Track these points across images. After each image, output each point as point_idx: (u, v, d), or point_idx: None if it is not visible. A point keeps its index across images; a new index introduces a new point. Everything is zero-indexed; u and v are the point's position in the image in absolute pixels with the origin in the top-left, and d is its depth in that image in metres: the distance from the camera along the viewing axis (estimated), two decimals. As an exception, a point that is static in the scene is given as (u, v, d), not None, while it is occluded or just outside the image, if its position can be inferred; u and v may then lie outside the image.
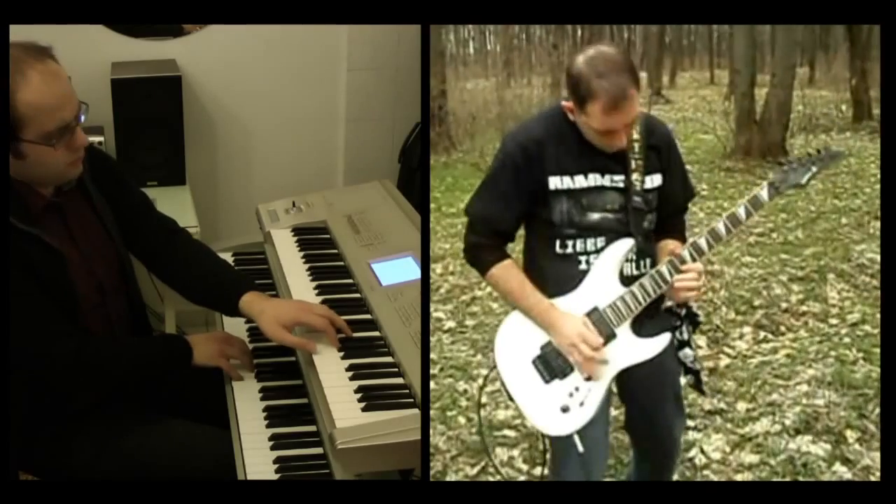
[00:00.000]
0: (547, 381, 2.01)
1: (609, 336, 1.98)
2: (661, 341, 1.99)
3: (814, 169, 1.99)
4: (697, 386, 2.23)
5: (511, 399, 2.06)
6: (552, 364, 2.01)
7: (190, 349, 2.32)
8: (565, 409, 1.99)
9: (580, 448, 1.99)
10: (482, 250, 2.09)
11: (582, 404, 1.99)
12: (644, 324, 2.03)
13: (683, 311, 2.15)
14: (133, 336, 2.44)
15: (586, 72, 1.85)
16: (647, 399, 2.18)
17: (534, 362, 2.03)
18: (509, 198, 2.03)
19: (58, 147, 2.10)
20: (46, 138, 2.07)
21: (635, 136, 2.01)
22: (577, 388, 1.99)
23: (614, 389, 2.16)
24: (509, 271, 2.06)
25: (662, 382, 2.16)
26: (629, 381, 2.14)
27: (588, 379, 1.99)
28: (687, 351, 2.16)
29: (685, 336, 2.16)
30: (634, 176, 2.01)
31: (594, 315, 1.99)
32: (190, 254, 2.52)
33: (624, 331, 2.00)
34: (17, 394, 2.18)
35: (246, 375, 2.38)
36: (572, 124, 1.99)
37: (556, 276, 2.03)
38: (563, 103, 1.98)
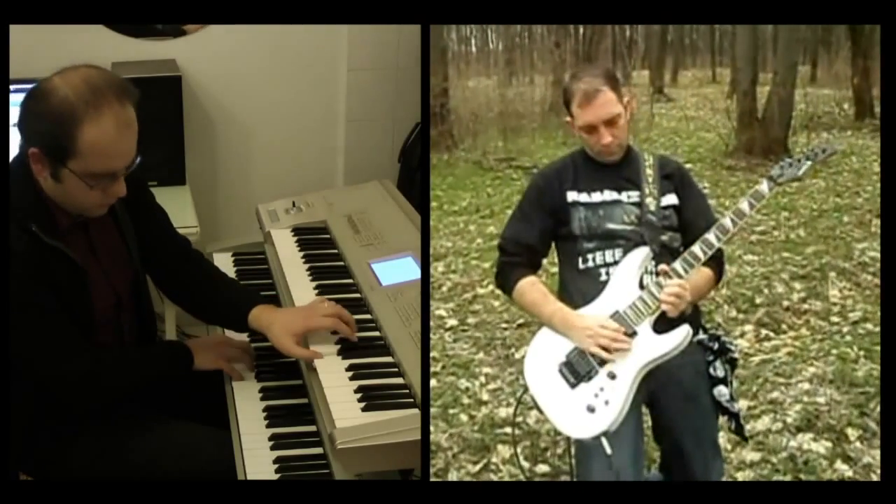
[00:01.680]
0: (573, 386, 2.03)
1: (630, 334, 2.01)
2: (680, 333, 2.00)
3: (809, 163, 2.08)
4: (738, 431, 2.21)
5: (541, 411, 2.08)
6: (577, 367, 2.03)
7: (191, 355, 2.34)
8: (591, 409, 2.00)
9: (608, 450, 1.98)
10: (510, 268, 2.21)
11: (607, 403, 1.99)
12: (664, 324, 2.03)
13: (716, 346, 2.16)
14: (132, 346, 2.44)
15: (569, 82, 2.18)
16: (678, 437, 2.18)
17: (560, 369, 2.05)
18: (532, 215, 2.21)
19: (95, 189, 2.09)
20: (89, 178, 2.06)
21: (648, 171, 2.17)
22: (601, 389, 2.00)
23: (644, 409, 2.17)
24: (533, 284, 2.16)
25: (695, 421, 2.16)
26: (662, 418, 2.17)
27: (612, 377, 2.00)
28: (722, 389, 2.15)
29: (719, 373, 2.16)
30: (648, 200, 2.13)
31: (614, 316, 2.03)
32: (202, 277, 2.54)
33: (644, 328, 2.02)
34: (21, 399, 2.19)
35: (246, 375, 2.39)
36: (587, 157, 2.20)
37: (582, 291, 2.12)
38: (566, 119, 2.21)
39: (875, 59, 9.77)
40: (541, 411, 2.08)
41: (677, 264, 2.02)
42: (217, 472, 2.18)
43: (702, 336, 2.18)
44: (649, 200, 2.13)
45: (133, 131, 2.09)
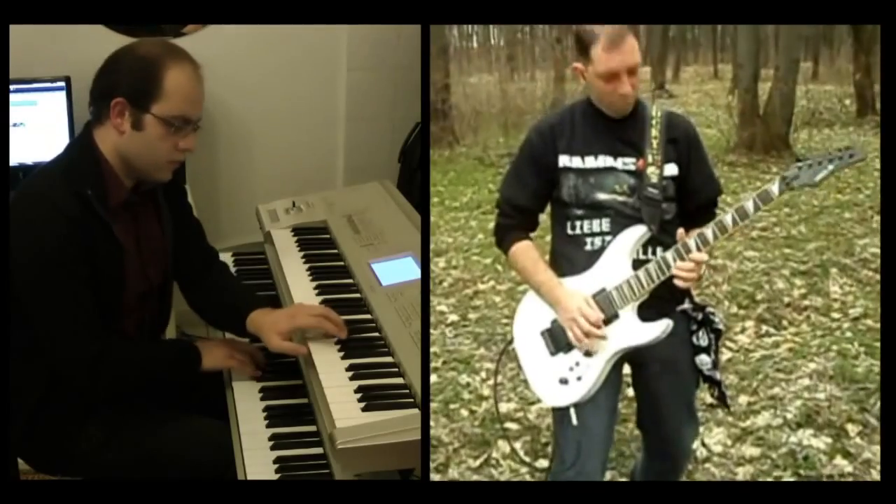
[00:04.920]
0: (552, 354, 2.08)
1: (612, 316, 2.02)
2: (660, 326, 2.01)
3: (830, 167, 1.94)
4: (721, 399, 2.21)
5: (520, 366, 2.15)
6: (558, 338, 2.07)
7: (199, 355, 2.35)
8: (563, 382, 2.06)
9: (574, 420, 2.04)
10: (507, 230, 2.18)
11: (579, 379, 2.04)
12: (648, 310, 2.04)
13: (700, 316, 2.15)
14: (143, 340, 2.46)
15: (588, 23, 2.02)
16: (655, 399, 2.20)
17: (542, 334, 2.10)
18: (526, 176, 2.14)
19: (172, 136, 2.18)
20: (171, 121, 2.16)
21: (654, 132, 2.06)
22: (577, 363, 2.05)
23: (627, 381, 2.20)
24: (526, 250, 2.14)
25: (673, 386, 2.17)
26: (641, 379, 2.19)
27: (588, 355, 2.03)
28: (703, 357, 2.15)
29: (702, 342, 2.16)
30: (651, 169, 2.04)
31: (600, 295, 2.03)
32: (221, 285, 2.57)
33: (627, 313, 2.02)
34: (30, 382, 2.22)
35: (252, 376, 2.41)
36: (589, 111, 2.09)
37: (567, 257, 2.10)
38: (575, 65, 2.07)
39: (877, 56, 9.76)
40: (521, 368, 2.15)
41: (669, 254, 1.99)
42: (224, 462, 2.18)
43: (686, 305, 2.15)
44: (652, 170, 2.04)
45: (203, 88, 2.24)
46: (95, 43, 3.60)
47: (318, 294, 2.53)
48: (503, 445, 2.96)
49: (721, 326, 2.18)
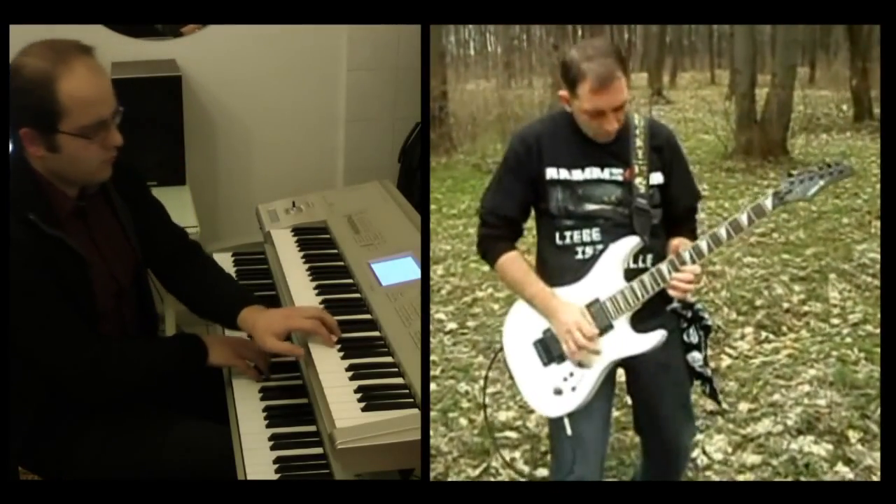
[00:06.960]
0: (545, 364, 2.07)
1: (606, 327, 2.02)
2: (655, 337, 2.01)
3: (821, 183, 2.01)
4: (712, 395, 2.22)
5: (511, 377, 2.13)
6: (551, 348, 2.06)
7: (205, 349, 2.33)
8: (558, 392, 2.05)
9: (569, 431, 2.04)
10: (492, 241, 2.15)
11: (574, 389, 2.04)
12: (643, 320, 2.05)
13: (690, 314, 2.16)
14: (143, 337, 2.44)
15: (576, 57, 1.98)
16: (651, 401, 2.20)
17: (535, 344, 2.09)
18: (511, 186, 2.12)
19: (94, 142, 2.10)
20: (83, 132, 2.08)
21: (638, 143, 2.07)
22: (571, 374, 2.04)
23: (618, 392, 2.18)
24: (516, 261, 2.12)
25: (668, 387, 2.17)
26: (636, 383, 2.18)
27: (580, 365, 2.03)
28: (695, 354, 2.16)
29: (693, 339, 2.16)
30: (638, 180, 2.05)
31: (594, 306, 2.03)
32: (198, 268, 2.55)
33: (621, 324, 2.02)
34: (25, 392, 2.19)
35: (254, 375, 2.39)
36: (572, 123, 2.07)
37: (557, 267, 2.09)
38: (560, 93, 2.06)
39: (873, 61, 9.79)
40: (513, 378, 2.13)
41: (664, 266, 2.00)
42: (224, 468, 2.17)
43: (675, 304, 2.15)
44: (639, 181, 2.05)
45: (105, 76, 2.14)
46: (95, 43, 3.63)
47: (317, 294, 2.52)
48: (502, 454, 2.94)
49: (710, 322, 2.19)
